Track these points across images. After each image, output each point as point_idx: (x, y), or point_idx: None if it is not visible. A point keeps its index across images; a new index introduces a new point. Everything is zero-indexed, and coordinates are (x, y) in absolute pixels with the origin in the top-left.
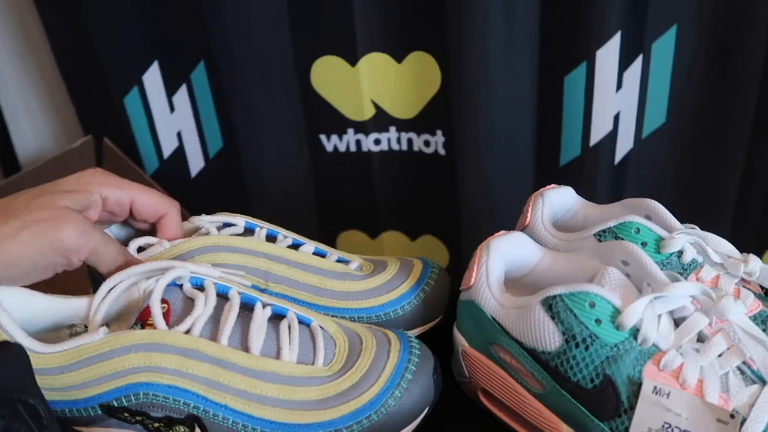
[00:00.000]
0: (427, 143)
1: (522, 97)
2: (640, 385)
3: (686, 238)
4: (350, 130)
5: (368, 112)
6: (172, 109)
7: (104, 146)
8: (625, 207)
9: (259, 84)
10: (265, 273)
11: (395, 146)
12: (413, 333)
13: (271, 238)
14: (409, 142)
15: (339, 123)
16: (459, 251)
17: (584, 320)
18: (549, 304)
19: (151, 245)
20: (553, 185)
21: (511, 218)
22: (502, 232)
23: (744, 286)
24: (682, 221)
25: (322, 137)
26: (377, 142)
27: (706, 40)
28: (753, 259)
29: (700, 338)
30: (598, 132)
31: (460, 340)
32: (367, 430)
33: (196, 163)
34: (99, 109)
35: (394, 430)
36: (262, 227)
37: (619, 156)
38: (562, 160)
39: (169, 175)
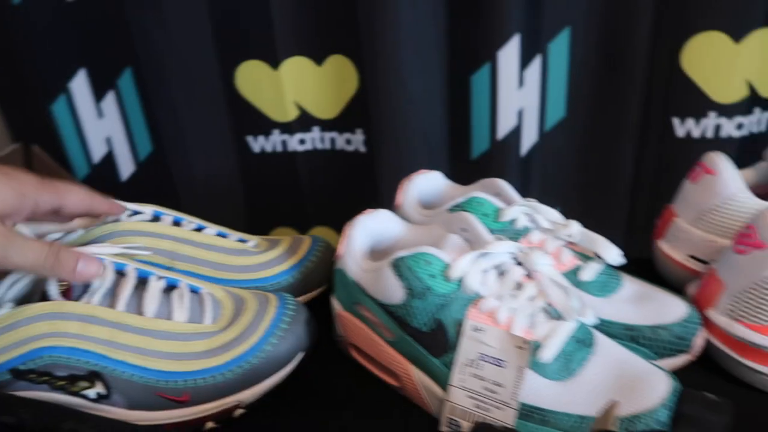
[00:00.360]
0: (348, 141)
1: (433, 98)
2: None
3: (519, 209)
4: (275, 131)
5: (292, 114)
6: (100, 114)
7: (33, 153)
8: (481, 186)
9: (185, 89)
10: (171, 253)
11: (319, 145)
12: (302, 299)
13: (177, 223)
14: (332, 141)
15: (264, 124)
16: None
17: (421, 276)
18: (395, 265)
19: (68, 233)
20: (422, 171)
21: None
22: (368, 210)
23: (570, 248)
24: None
25: (249, 139)
26: (302, 141)
27: (595, 46)
28: (573, 224)
29: (519, 287)
30: (504, 127)
31: (335, 304)
32: (250, 371)
33: (126, 167)
34: (27, 117)
35: (272, 371)
36: (169, 215)
37: (525, 148)
38: (473, 154)
39: (100, 181)
